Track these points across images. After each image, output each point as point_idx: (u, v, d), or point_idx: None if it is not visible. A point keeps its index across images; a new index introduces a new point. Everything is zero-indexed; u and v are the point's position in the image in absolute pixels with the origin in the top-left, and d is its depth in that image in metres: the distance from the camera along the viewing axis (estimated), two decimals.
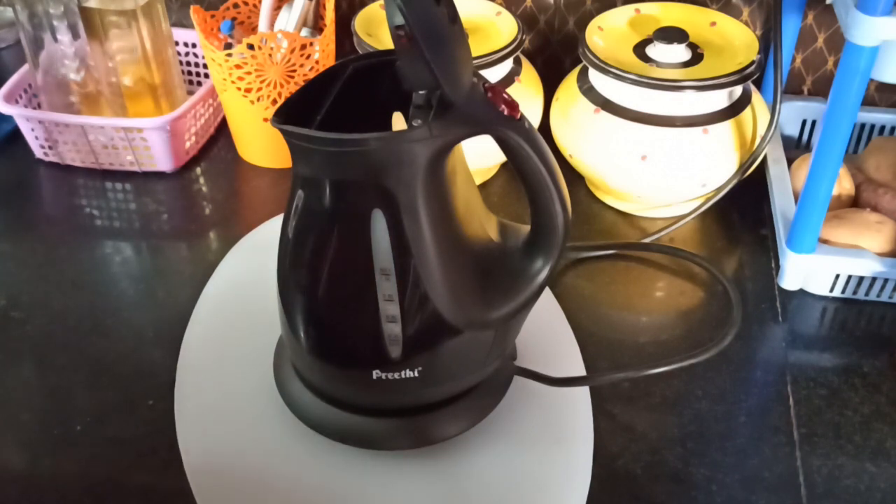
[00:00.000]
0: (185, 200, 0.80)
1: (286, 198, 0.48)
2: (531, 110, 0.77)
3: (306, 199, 0.46)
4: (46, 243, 0.74)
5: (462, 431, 0.52)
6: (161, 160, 0.81)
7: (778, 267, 0.70)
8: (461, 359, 0.50)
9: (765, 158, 0.77)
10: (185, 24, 0.94)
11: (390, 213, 0.44)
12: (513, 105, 0.44)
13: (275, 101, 0.78)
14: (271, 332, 0.57)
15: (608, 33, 0.75)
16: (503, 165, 0.81)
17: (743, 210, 0.77)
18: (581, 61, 0.75)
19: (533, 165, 0.45)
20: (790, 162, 0.76)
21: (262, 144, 0.82)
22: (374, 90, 0.48)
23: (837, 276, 0.66)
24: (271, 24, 0.82)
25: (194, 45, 0.91)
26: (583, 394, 0.56)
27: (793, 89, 0.86)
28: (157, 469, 0.55)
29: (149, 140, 0.80)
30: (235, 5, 0.85)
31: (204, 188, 0.81)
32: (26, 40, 0.80)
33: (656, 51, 0.72)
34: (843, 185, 0.72)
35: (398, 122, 0.49)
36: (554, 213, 0.47)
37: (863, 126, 0.82)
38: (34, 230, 0.76)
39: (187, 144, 0.83)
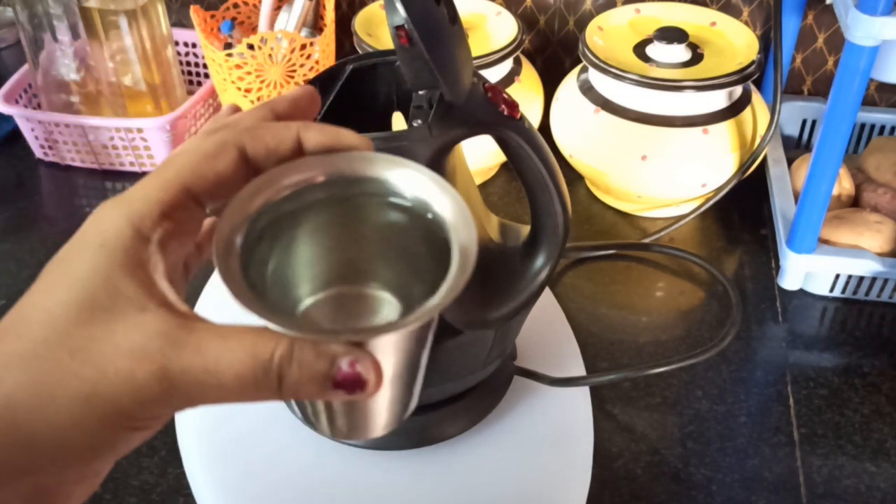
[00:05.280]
0: None
1: None
2: (531, 110, 0.77)
3: None
4: (46, 243, 0.74)
5: (462, 431, 0.52)
6: (161, 160, 0.81)
7: (778, 267, 0.70)
8: (461, 359, 0.50)
9: (765, 158, 0.77)
10: (185, 24, 0.94)
11: None
12: (513, 105, 0.44)
13: None
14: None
15: (608, 33, 0.75)
16: (503, 165, 0.81)
17: (743, 210, 0.77)
18: (581, 61, 0.75)
19: (533, 165, 0.45)
20: (790, 162, 0.76)
21: None
22: (374, 90, 0.48)
23: (837, 276, 0.66)
24: (271, 25, 0.82)
25: (194, 45, 0.91)
26: (583, 394, 0.56)
27: (793, 89, 0.86)
28: (157, 469, 0.55)
29: (149, 140, 0.80)
30: (235, 5, 0.85)
31: None
32: (26, 40, 0.80)
33: (656, 51, 0.72)
34: (843, 185, 0.72)
35: (398, 122, 0.49)
36: (554, 213, 0.47)
37: (863, 126, 0.82)
38: (34, 230, 0.76)
39: None
